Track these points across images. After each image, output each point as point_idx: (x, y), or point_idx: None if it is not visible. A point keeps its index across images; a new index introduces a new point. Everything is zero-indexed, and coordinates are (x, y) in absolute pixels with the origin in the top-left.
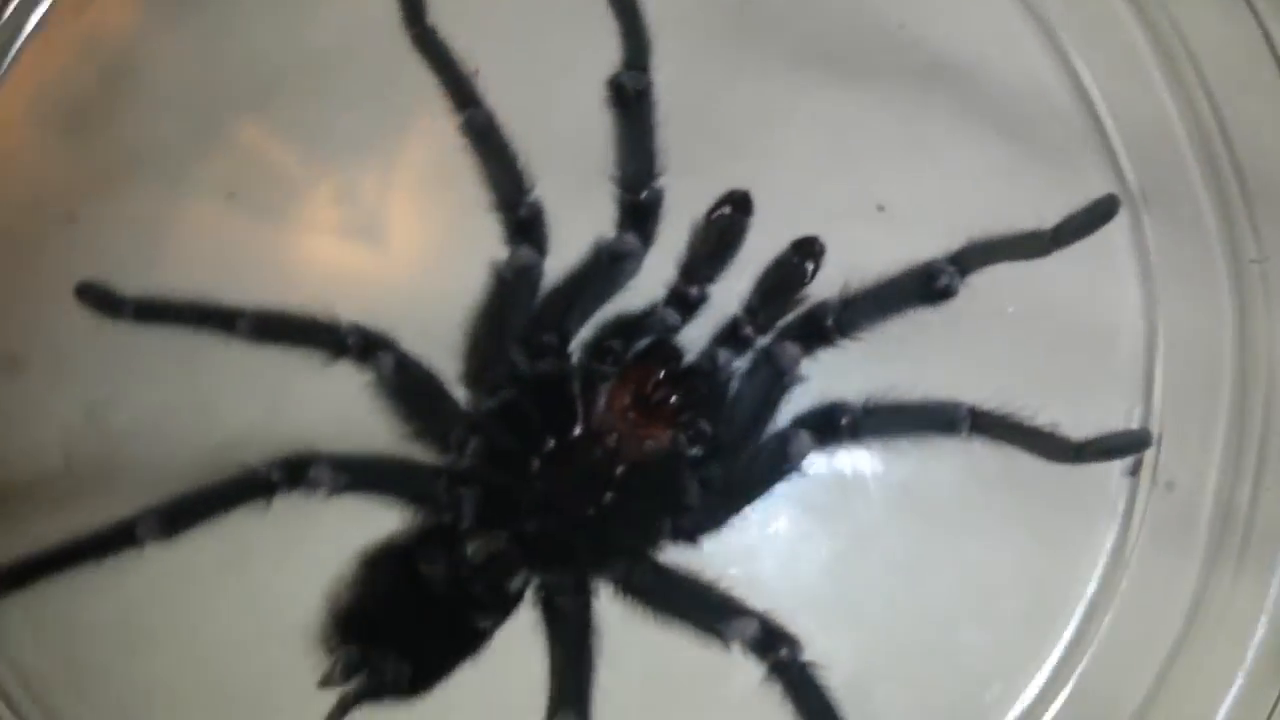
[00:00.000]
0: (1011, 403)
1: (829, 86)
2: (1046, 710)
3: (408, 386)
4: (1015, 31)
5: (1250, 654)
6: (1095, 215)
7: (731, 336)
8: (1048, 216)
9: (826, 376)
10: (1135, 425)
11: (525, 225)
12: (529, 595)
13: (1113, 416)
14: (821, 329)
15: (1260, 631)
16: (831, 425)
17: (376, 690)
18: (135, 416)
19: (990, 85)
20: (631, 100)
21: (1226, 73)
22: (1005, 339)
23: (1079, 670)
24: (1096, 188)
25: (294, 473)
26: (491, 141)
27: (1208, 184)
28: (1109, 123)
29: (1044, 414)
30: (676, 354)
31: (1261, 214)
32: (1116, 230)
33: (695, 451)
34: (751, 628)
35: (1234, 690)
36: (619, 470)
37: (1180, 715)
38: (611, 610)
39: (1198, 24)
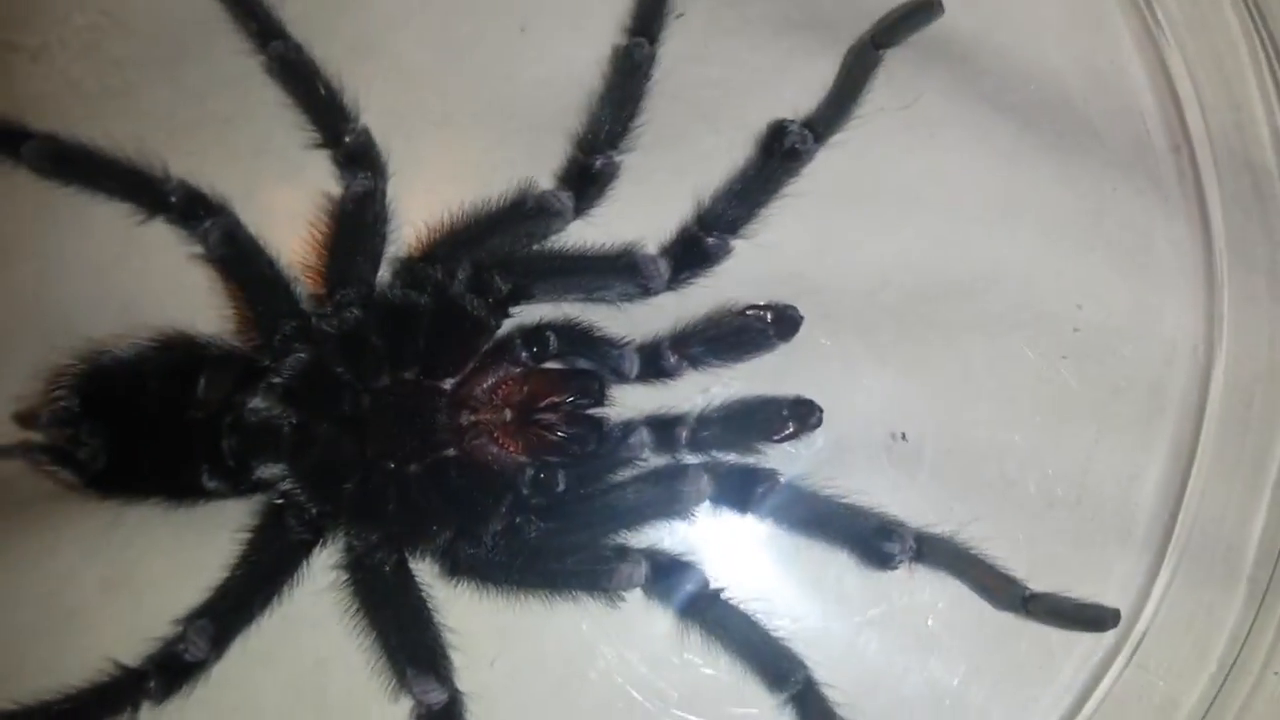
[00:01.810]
0: None
1: (818, 55)
2: None
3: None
4: None
5: None
6: (1084, 617)
7: (664, 430)
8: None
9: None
10: None
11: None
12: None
13: None
14: (748, 496)
15: None
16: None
17: (63, 458)
18: None
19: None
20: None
21: None
22: None
23: None
24: None
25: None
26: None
27: None
28: None
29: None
30: (600, 397)
31: None
32: None
33: (529, 495)
34: (437, 696)
35: None
36: (447, 452)
37: None
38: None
39: None
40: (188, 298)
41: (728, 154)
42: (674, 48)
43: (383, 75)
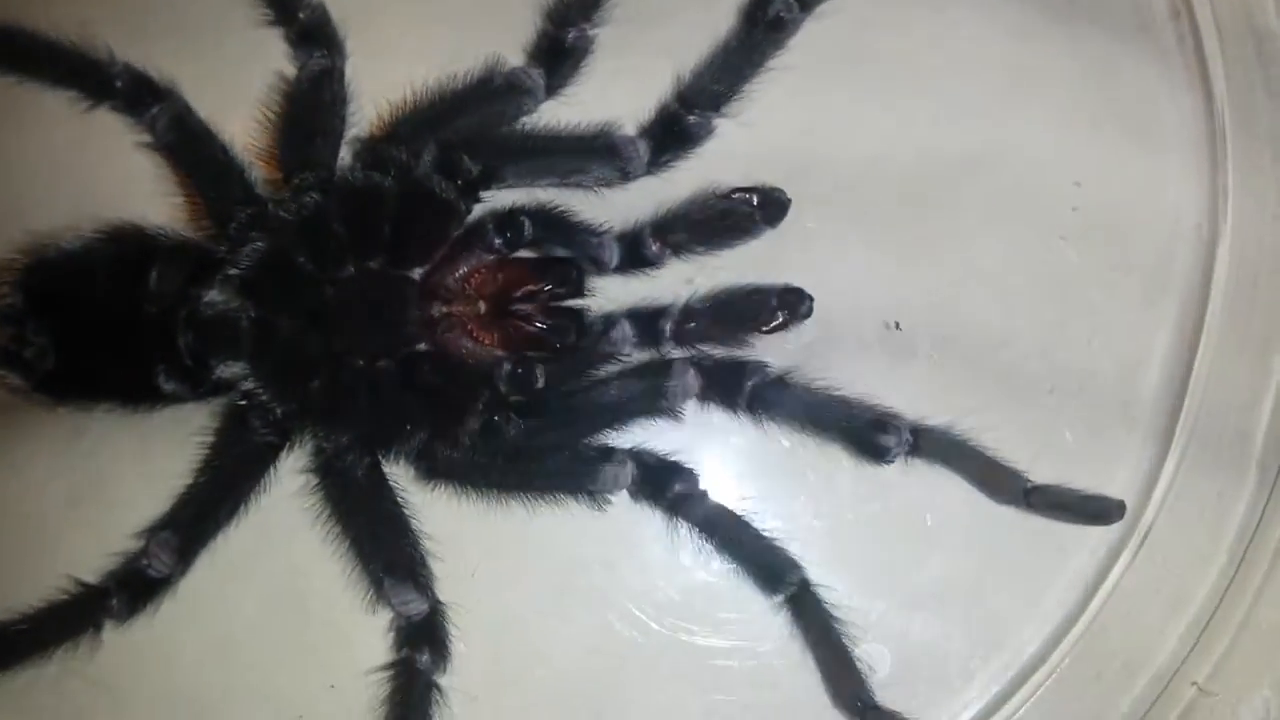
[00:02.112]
0: None
1: None
2: None
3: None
4: None
5: None
6: (1088, 510)
7: (648, 322)
8: None
9: None
10: None
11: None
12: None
13: None
14: (737, 390)
15: None
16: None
17: (8, 359)
18: None
19: None
20: None
21: None
22: None
23: None
24: None
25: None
26: None
27: None
28: None
29: None
30: (579, 286)
31: None
32: None
33: (507, 392)
34: (417, 607)
35: None
36: (418, 346)
37: None
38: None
39: None
40: (140, 187)
41: (713, 27)
42: None
43: None
